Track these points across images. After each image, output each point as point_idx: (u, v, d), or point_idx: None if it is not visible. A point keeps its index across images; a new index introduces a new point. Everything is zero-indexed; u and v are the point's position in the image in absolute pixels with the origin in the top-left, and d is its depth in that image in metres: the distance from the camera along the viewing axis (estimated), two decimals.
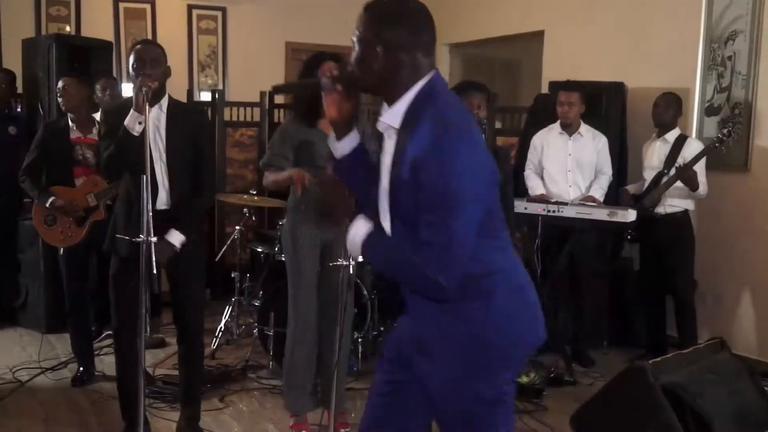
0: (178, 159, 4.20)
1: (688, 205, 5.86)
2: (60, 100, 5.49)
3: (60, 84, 5.51)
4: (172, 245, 4.13)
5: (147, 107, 3.85)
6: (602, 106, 6.67)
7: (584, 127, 6.13)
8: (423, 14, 2.38)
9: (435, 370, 2.40)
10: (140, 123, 3.89)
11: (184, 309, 4.40)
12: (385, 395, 2.60)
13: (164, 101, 4.20)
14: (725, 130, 5.78)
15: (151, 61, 4.07)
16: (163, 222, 4.05)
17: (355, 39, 2.41)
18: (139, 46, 4.15)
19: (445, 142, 2.17)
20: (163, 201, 4.17)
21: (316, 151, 4.40)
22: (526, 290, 2.49)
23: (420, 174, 2.17)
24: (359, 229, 2.35)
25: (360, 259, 2.44)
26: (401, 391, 2.56)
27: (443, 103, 2.31)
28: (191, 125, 4.32)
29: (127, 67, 4.25)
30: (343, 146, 2.60)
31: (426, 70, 2.36)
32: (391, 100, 2.37)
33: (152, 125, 4.06)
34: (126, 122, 3.91)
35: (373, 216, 2.48)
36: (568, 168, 6.12)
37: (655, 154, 5.97)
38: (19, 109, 7.18)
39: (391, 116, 2.36)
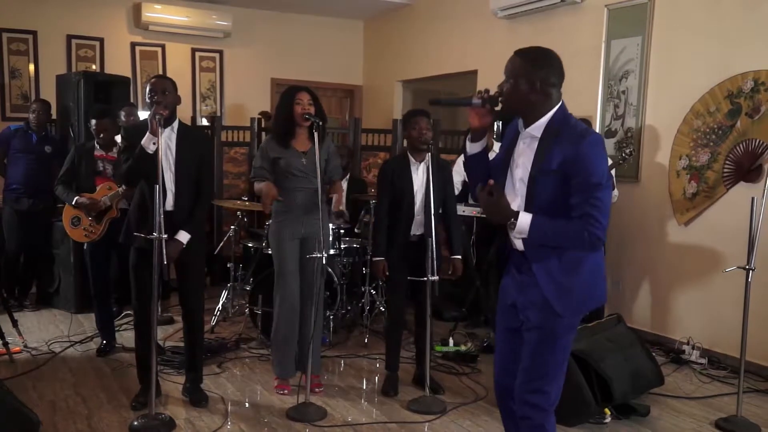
0: (184, 170, 4.19)
1: None
2: (100, 135, 5.30)
3: (97, 124, 5.31)
4: (181, 242, 4.15)
5: (160, 130, 3.85)
6: None
7: (497, 145, 6.07)
8: (561, 62, 2.68)
9: (538, 308, 2.70)
10: (154, 143, 3.88)
11: (188, 292, 4.37)
12: (506, 335, 2.91)
13: (175, 124, 4.20)
14: (628, 151, 5.82)
15: (163, 91, 4.06)
16: (171, 219, 4.06)
17: (509, 74, 2.66)
18: (153, 80, 4.15)
19: (588, 147, 2.54)
20: (170, 203, 4.15)
21: (289, 165, 4.41)
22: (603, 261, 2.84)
23: (575, 167, 2.52)
24: (524, 218, 2.56)
25: (520, 236, 2.59)
26: (516, 332, 2.84)
27: (574, 121, 2.64)
28: (197, 144, 4.32)
29: (144, 97, 4.22)
30: (475, 147, 2.89)
31: (557, 100, 2.67)
32: (532, 119, 2.66)
33: (165, 143, 4.06)
34: (143, 142, 3.92)
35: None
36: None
37: None
38: (53, 132, 7.06)
39: (536, 129, 2.65)
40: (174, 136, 4.17)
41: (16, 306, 6.40)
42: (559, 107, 2.67)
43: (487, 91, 2.76)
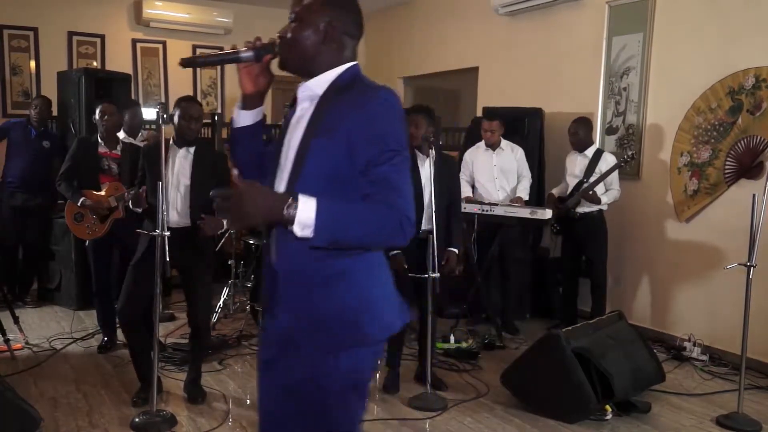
0: (199, 187, 4.17)
1: (602, 206, 5.86)
2: (103, 122, 5.27)
3: (102, 107, 5.30)
4: (221, 221, 4.09)
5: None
6: (525, 127, 6.67)
7: (504, 143, 6.11)
8: (360, 12, 2.13)
9: (300, 358, 2.01)
10: (139, 210, 4.20)
11: (195, 304, 4.34)
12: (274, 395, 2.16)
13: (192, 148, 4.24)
14: (630, 153, 5.84)
15: (198, 117, 4.13)
16: (180, 236, 4.03)
17: (298, 14, 2.04)
18: (185, 103, 4.13)
19: (381, 105, 1.93)
20: (174, 221, 4.14)
21: None
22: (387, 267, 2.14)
23: (364, 130, 1.89)
24: (306, 202, 1.77)
25: (307, 235, 1.76)
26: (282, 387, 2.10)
27: (369, 83, 2.01)
28: (213, 162, 4.31)
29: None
30: (246, 118, 2.19)
31: (351, 58, 2.08)
32: (313, 74, 2.04)
33: (179, 163, 4.16)
34: (131, 205, 4.31)
35: (267, 180, 2.10)
36: (495, 176, 6.09)
37: (577, 166, 5.97)
38: (53, 129, 7.05)
39: (318, 85, 2.03)
40: (190, 157, 4.19)
41: (18, 303, 6.39)
42: (353, 66, 2.06)
43: (258, 39, 2.10)
